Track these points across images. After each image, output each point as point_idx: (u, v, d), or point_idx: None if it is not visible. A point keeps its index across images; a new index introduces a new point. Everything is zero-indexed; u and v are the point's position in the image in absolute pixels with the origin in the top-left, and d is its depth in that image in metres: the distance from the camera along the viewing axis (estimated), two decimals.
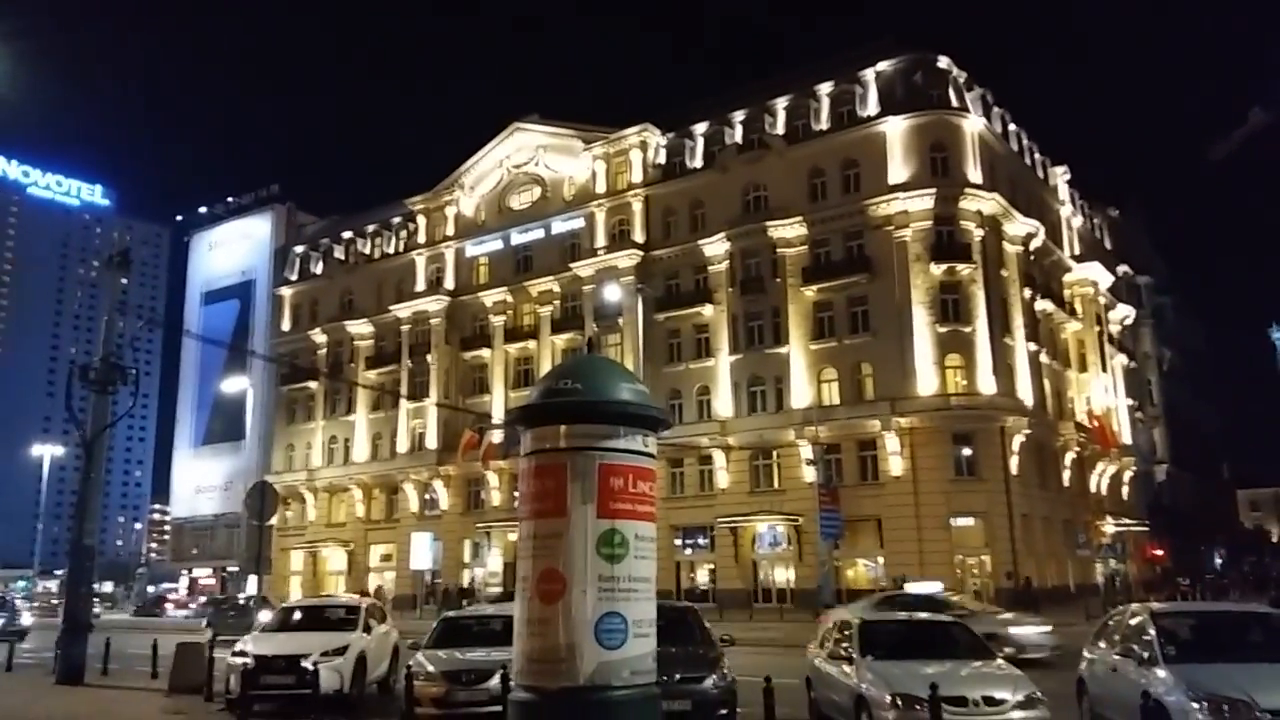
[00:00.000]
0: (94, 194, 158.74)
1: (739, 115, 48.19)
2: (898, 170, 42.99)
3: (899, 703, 8.69)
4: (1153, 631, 9.00)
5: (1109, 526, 48.44)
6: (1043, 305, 47.56)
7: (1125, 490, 55.30)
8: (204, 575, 71.50)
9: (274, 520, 20.17)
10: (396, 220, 61.85)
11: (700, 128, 49.52)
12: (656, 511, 9.06)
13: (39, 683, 17.70)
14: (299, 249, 68.23)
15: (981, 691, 8.87)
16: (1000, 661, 10.02)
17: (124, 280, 23.20)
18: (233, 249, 76.56)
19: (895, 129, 43.37)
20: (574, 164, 53.59)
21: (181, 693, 14.73)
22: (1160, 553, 47.74)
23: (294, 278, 67.44)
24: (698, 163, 49.16)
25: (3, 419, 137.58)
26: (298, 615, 15.43)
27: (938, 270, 41.58)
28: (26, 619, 34.53)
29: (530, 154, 55.80)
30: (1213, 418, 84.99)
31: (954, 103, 43.83)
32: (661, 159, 50.58)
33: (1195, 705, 7.72)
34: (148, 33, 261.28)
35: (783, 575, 43.14)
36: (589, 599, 8.14)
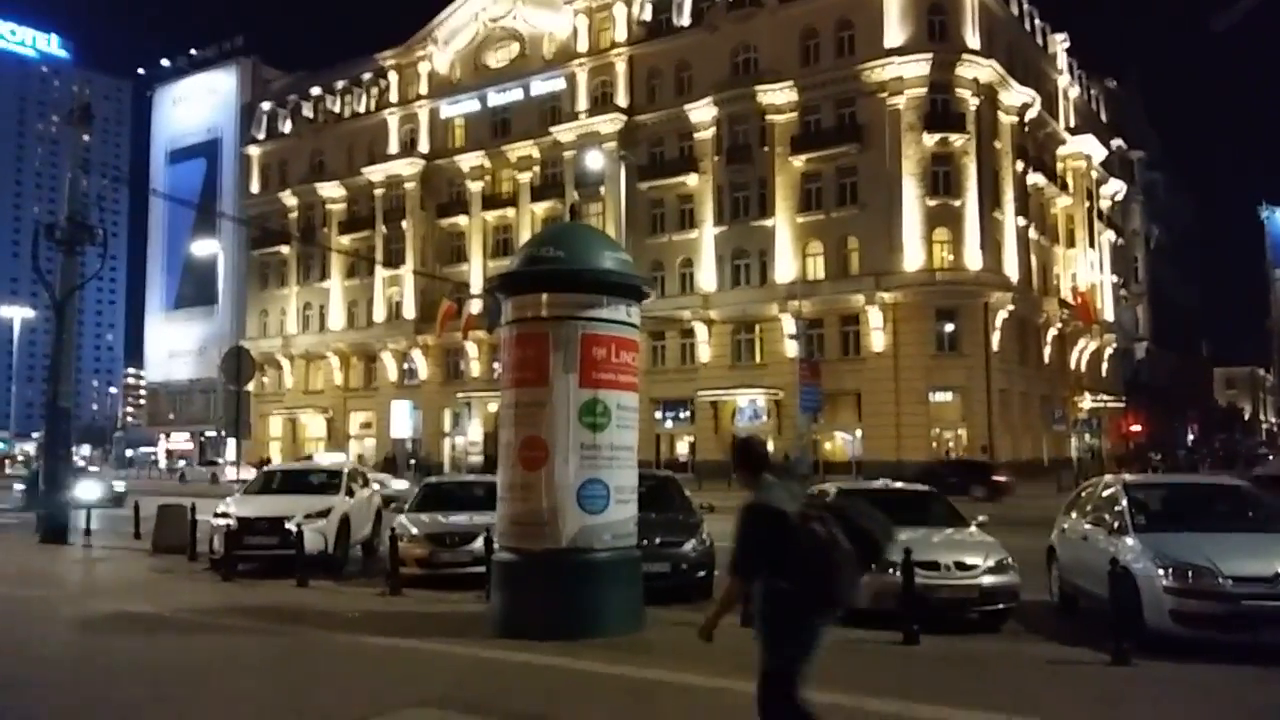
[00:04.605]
0: (50, 44, 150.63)
1: None
2: (894, 33, 41.32)
3: (873, 566, 8.81)
4: (1125, 502, 9.11)
5: (1086, 402, 49.35)
6: (1034, 179, 46.87)
7: (1105, 367, 56.12)
8: (181, 439, 72.12)
9: (251, 386, 20.01)
10: (367, 77, 59.25)
11: None
12: (639, 382, 8.96)
13: (23, 542, 17.86)
14: (266, 106, 65.56)
15: (954, 557, 9.06)
16: (973, 529, 10.21)
17: (86, 136, 22.17)
18: (198, 105, 73.48)
19: None
20: (554, 19, 51.10)
21: (165, 552, 14.91)
22: (1135, 428, 48.74)
23: (261, 136, 65.07)
24: (685, 20, 46.97)
25: None
26: (280, 478, 15.50)
27: (930, 140, 40.62)
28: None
29: (508, 6, 53.06)
30: (1196, 296, 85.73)
31: None
32: (647, 15, 48.28)
33: (1160, 571, 7.86)
34: None
35: None
36: (571, 466, 8.16)
